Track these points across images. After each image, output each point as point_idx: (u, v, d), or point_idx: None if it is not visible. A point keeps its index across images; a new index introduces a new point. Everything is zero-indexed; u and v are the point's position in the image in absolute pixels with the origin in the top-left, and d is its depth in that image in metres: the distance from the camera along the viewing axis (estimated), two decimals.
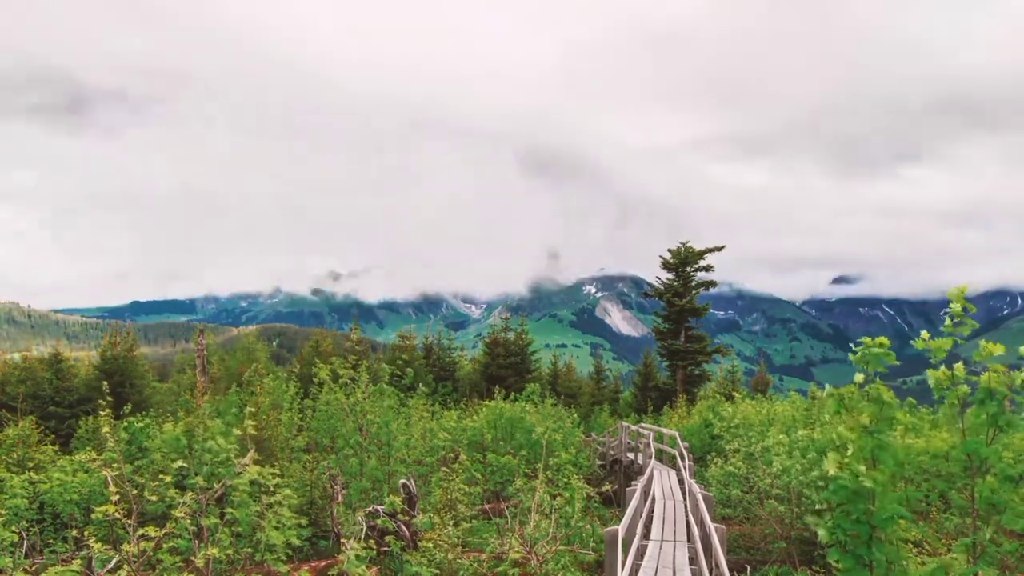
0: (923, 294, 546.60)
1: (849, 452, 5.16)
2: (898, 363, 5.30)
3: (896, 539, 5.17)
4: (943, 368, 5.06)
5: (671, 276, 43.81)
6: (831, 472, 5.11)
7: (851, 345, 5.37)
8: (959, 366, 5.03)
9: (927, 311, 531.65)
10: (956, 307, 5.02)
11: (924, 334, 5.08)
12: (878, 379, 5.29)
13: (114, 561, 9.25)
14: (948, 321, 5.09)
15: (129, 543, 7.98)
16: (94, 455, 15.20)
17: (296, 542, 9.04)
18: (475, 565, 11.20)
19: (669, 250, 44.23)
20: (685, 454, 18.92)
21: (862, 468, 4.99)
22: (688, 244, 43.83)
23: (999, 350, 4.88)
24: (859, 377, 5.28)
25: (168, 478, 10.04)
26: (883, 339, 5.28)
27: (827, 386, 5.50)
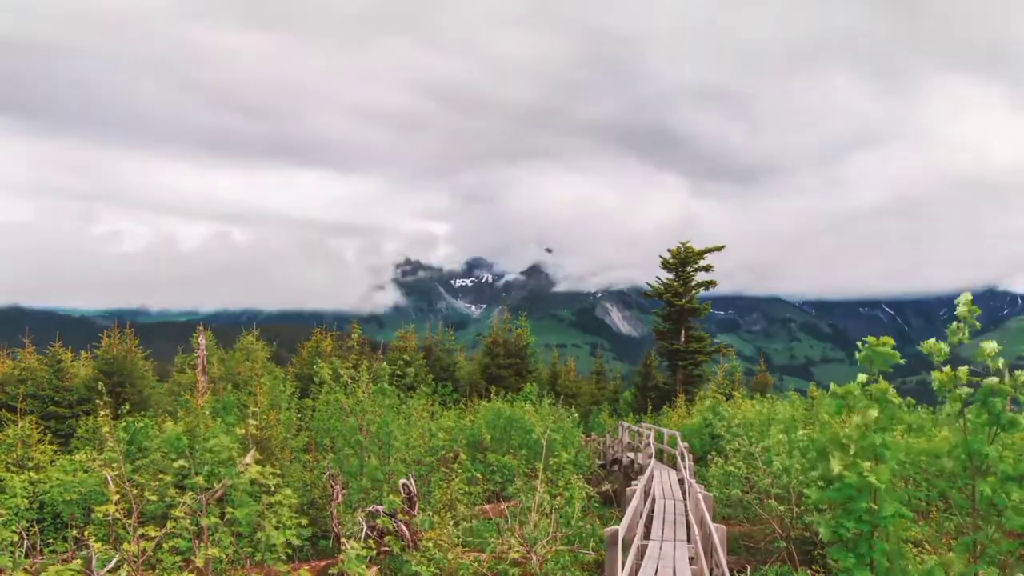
0: (923, 294, 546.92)
1: (852, 451, 5.18)
2: (903, 362, 5.33)
3: (897, 538, 5.18)
4: (947, 368, 5.10)
5: (671, 276, 43.83)
6: (836, 470, 5.13)
7: (857, 344, 5.40)
8: (963, 369, 5.07)
9: (927, 311, 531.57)
10: (962, 310, 5.08)
11: (932, 341, 5.14)
12: (882, 378, 5.32)
13: (114, 561, 9.24)
14: (952, 325, 5.15)
15: (129, 543, 7.98)
16: (94, 455, 15.19)
17: (296, 542, 9.05)
18: (475, 565, 11.20)
19: (669, 250, 44.26)
20: (685, 454, 18.94)
21: (867, 465, 5.01)
22: (688, 244, 43.85)
23: (994, 348, 4.93)
24: (862, 377, 5.30)
25: (168, 478, 10.03)
26: (887, 338, 5.32)
27: (832, 385, 5.53)
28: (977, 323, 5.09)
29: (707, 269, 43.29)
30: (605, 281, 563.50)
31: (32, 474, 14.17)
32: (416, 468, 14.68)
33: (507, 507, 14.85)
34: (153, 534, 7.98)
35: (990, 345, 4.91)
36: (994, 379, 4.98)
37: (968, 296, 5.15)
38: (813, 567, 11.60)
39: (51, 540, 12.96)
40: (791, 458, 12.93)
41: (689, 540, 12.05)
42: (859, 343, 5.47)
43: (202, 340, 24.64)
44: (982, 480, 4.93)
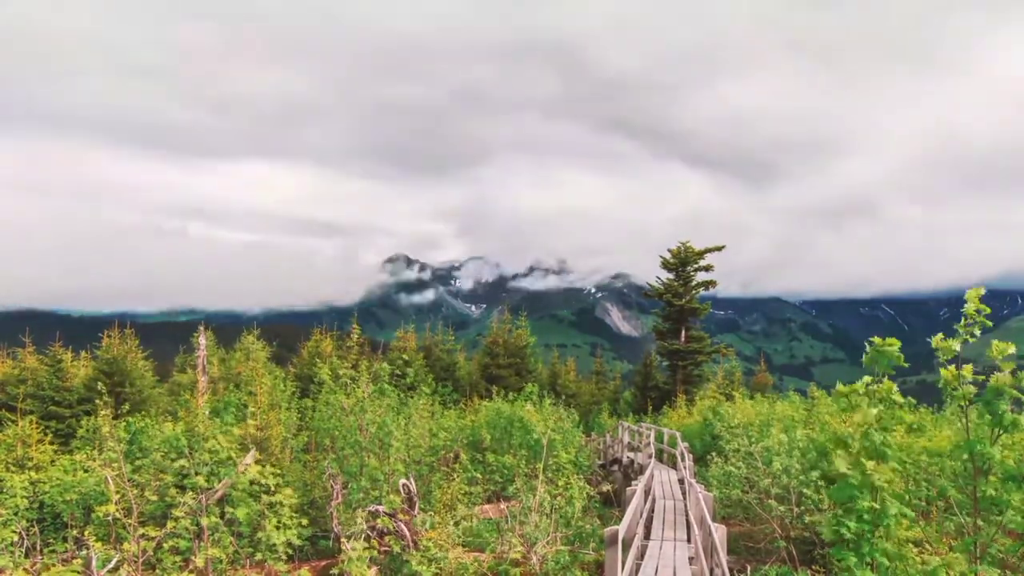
0: (923, 293, 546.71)
1: (855, 450, 5.20)
2: (907, 365, 5.35)
3: (898, 538, 5.18)
4: (952, 367, 5.12)
5: (671, 276, 43.82)
6: (842, 468, 5.14)
7: (856, 344, 5.43)
8: (968, 368, 5.07)
9: (927, 310, 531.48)
10: (970, 307, 5.09)
11: (939, 336, 5.14)
12: (886, 379, 5.33)
13: (114, 561, 9.24)
14: (962, 321, 5.15)
15: (129, 543, 7.99)
16: (94, 455, 15.19)
17: (297, 542, 9.06)
18: (475, 565, 11.20)
19: (669, 250, 44.23)
20: (685, 454, 18.95)
21: (871, 464, 5.01)
22: (688, 244, 43.83)
23: (1010, 348, 4.93)
24: (867, 379, 5.32)
25: (168, 478, 10.04)
26: (893, 340, 5.34)
27: (838, 383, 5.55)
28: (988, 321, 5.10)
29: (707, 269, 43.26)
30: (605, 281, 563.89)
31: (32, 474, 14.16)
32: (416, 468, 14.68)
33: (507, 507, 14.85)
34: (153, 534, 7.99)
35: (1000, 345, 4.91)
36: (1000, 376, 4.98)
37: (979, 291, 5.15)
38: (813, 567, 11.60)
39: (51, 540, 12.96)
40: (791, 458, 12.93)
41: (689, 540, 12.05)
42: (867, 343, 5.47)
43: (202, 340, 24.61)
44: (984, 480, 4.93)
